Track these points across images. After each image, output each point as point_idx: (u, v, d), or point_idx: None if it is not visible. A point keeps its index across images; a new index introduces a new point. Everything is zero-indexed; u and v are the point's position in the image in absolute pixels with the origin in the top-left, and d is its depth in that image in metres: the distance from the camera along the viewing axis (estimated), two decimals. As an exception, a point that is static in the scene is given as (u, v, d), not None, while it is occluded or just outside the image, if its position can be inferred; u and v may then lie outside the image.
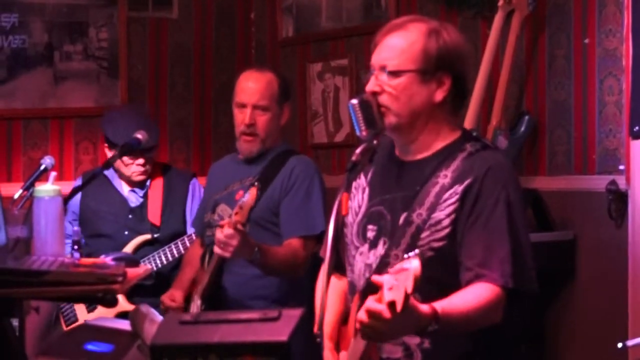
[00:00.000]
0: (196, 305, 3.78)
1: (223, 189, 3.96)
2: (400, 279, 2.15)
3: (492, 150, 2.66)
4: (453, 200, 2.53)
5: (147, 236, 4.43)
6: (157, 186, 4.53)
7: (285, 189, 3.83)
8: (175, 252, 4.38)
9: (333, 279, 2.80)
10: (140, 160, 4.43)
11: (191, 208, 4.53)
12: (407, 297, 2.14)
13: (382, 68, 2.60)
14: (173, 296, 3.93)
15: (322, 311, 2.49)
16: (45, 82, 5.47)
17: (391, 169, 2.68)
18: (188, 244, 4.34)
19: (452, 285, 2.48)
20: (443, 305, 2.35)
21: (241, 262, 3.62)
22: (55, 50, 5.47)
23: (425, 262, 2.18)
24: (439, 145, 2.63)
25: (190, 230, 4.43)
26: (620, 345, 3.27)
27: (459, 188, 2.53)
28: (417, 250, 2.19)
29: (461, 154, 2.58)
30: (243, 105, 3.88)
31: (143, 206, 4.50)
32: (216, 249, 3.50)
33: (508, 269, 2.48)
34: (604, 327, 4.16)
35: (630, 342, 3.30)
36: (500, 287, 2.47)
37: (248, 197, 3.45)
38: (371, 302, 2.23)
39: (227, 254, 3.47)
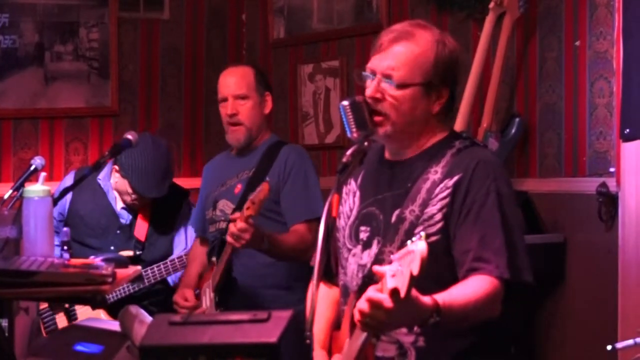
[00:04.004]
0: (209, 298, 3.87)
1: (220, 185, 4.05)
2: (404, 263, 2.13)
3: (480, 147, 2.69)
4: (444, 194, 2.54)
5: (130, 253, 4.37)
6: (147, 202, 4.46)
7: (283, 178, 3.93)
8: (157, 275, 4.33)
9: (322, 287, 2.79)
10: (137, 198, 4.38)
11: (178, 230, 4.49)
12: (412, 279, 2.11)
13: (387, 76, 2.59)
14: (184, 295, 3.99)
15: (312, 313, 2.49)
16: (36, 82, 5.46)
17: (381, 171, 2.69)
18: (171, 269, 4.35)
19: (446, 280, 2.48)
20: (444, 297, 2.34)
21: (249, 252, 3.72)
22: (46, 51, 5.47)
23: None
24: (429, 143, 2.65)
25: (176, 253, 4.43)
26: (609, 347, 3.27)
27: (449, 182, 2.54)
28: (422, 233, 2.16)
29: (450, 151, 2.60)
30: (224, 99, 4.03)
31: (133, 223, 4.46)
32: (229, 239, 3.60)
33: (503, 260, 2.48)
34: (593, 329, 4.17)
35: (619, 345, 3.30)
36: (497, 279, 2.47)
37: (260, 191, 3.53)
38: (372, 292, 2.22)
39: (238, 245, 3.59)
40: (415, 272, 2.10)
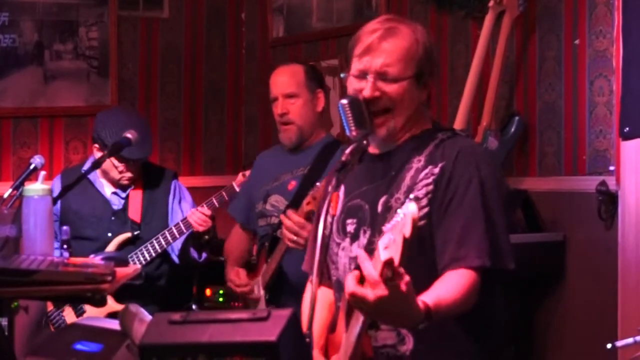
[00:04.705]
0: (260, 295, 3.90)
1: (273, 180, 4.06)
2: (396, 232, 2.10)
3: (462, 137, 2.70)
4: (429, 180, 2.55)
5: (128, 234, 4.42)
6: (137, 184, 4.52)
7: None
8: (157, 247, 4.38)
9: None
10: (124, 167, 4.41)
11: (172, 207, 4.53)
12: (405, 243, 2.09)
13: (382, 73, 2.60)
14: (238, 273, 4.05)
15: (311, 311, 2.49)
16: (35, 81, 5.46)
17: (364, 165, 2.70)
18: (170, 238, 4.36)
19: (432, 265, 2.49)
20: (434, 302, 2.34)
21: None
22: (46, 49, 5.47)
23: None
24: (414, 133, 2.66)
25: (171, 224, 4.46)
26: (609, 346, 3.27)
27: (434, 169, 2.56)
28: (412, 196, 2.16)
29: (433, 142, 2.62)
30: (275, 99, 4.04)
31: (125, 207, 4.49)
32: (289, 237, 3.60)
33: (485, 247, 2.49)
34: (593, 328, 4.17)
35: (619, 343, 3.30)
36: (476, 270, 2.47)
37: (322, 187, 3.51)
38: (366, 263, 2.20)
39: (301, 242, 3.56)
40: (408, 234, 2.07)
